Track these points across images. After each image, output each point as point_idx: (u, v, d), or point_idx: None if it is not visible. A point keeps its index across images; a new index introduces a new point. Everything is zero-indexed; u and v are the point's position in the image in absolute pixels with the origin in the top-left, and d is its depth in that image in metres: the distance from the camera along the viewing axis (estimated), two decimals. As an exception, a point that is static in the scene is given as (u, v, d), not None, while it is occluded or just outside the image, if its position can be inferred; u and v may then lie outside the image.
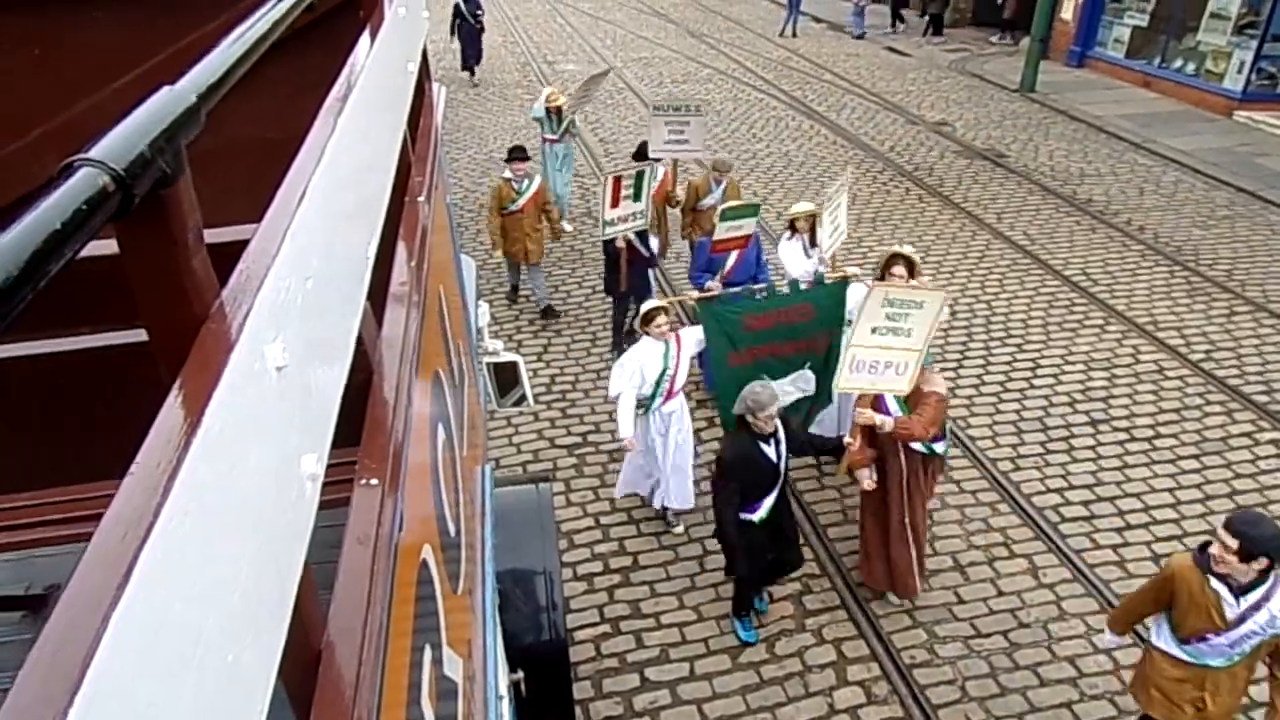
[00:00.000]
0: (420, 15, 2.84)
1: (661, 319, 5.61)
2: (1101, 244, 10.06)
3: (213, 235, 0.89)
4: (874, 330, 4.58)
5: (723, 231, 6.68)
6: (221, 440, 0.66)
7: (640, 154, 8.49)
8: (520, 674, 3.60)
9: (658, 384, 5.61)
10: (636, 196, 7.26)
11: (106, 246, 0.81)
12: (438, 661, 1.54)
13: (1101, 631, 4.70)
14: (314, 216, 1.02)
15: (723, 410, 6.03)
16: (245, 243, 0.94)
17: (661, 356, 5.62)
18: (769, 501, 4.89)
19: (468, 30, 16.14)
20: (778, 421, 4.81)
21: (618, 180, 7.13)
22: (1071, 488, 6.34)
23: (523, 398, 4.88)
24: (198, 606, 0.58)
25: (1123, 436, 6.87)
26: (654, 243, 7.98)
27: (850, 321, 5.24)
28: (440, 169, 3.07)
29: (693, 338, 5.83)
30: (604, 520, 6.17)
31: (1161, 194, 11.52)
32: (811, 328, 5.94)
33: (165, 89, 0.80)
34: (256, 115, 2.16)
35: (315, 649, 0.97)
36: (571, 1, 25.07)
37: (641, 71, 17.63)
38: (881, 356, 4.66)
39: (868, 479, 5.04)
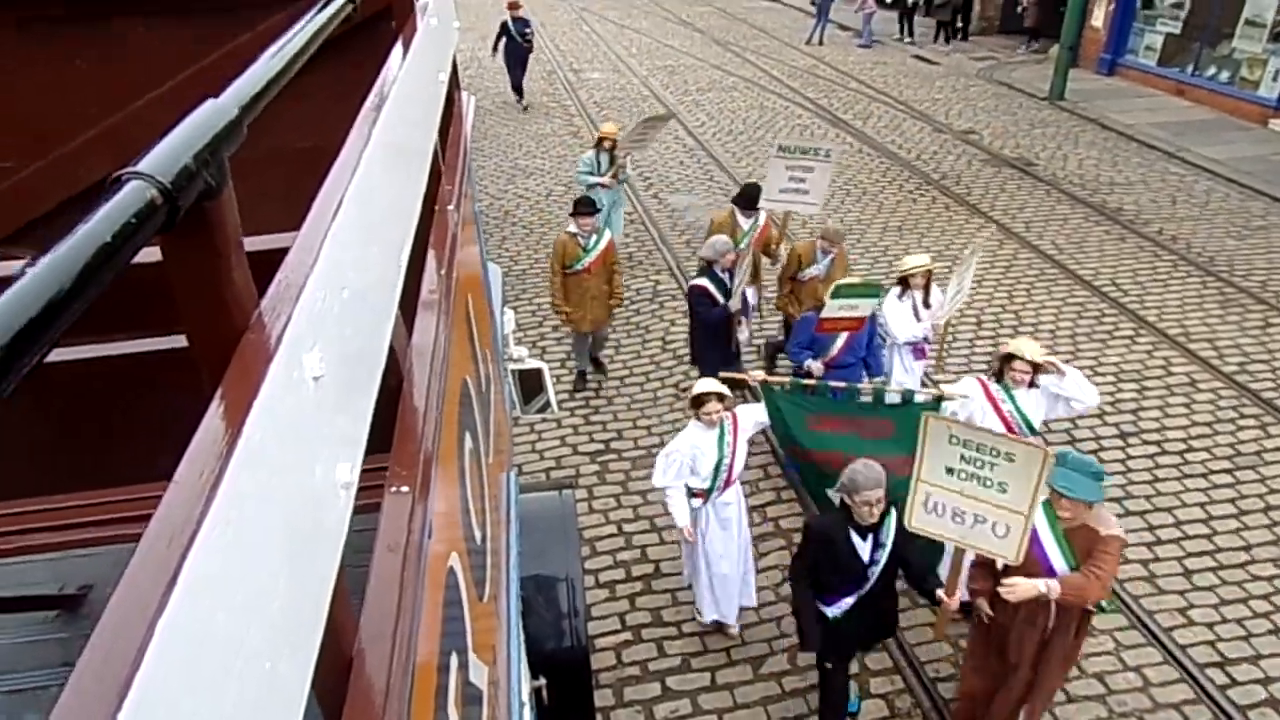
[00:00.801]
0: (451, 26, 2.87)
1: (714, 404, 4.79)
2: (1132, 254, 9.93)
3: (250, 243, 0.91)
4: (949, 470, 3.72)
5: (833, 310, 5.73)
6: (261, 449, 0.67)
7: (745, 198, 7.36)
8: (542, 681, 3.61)
9: (715, 474, 4.85)
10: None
11: (146, 254, 0.83)
12: (464, 668, 1.55)
13: (1134, 648, 4.62)
14: (349, 226, 1.03)
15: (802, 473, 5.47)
16: (282, 251, 0.96)
17: (716, 444, 4.83)
18: (850, 601, 4.18)
19: (516, 51, 15.26)
20: (889, 516, 4.05)
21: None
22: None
23: (546, 405, 4.90)
24: (239, 615, 0.59)
25: (1153, 450, 6.76)
26: (749, 294, 7.11)
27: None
28: (469, 177, 3.10)
29: (751, 418, 5.05)
30: (626, 527, 6.17)
31: (1194, 203, 11.35)
32: (889, 447, 4.78)
33: (209, 102, 0.82)
34: (291, 123, 2.19)
35: (347, 656, 0.98)
36: (598, 10, 25.20)
37: (667, 79, 17.68)
38: (968, 506, 3.76)
39: (984, 611, 4.06)
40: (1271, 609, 5.37)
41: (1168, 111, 14.97)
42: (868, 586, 4.13)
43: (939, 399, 5.04)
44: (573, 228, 7.18)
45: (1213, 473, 6.51)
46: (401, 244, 1.40)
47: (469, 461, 2.00)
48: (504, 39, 15.15)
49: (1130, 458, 6.68)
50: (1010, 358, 5.06)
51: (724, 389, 4.90)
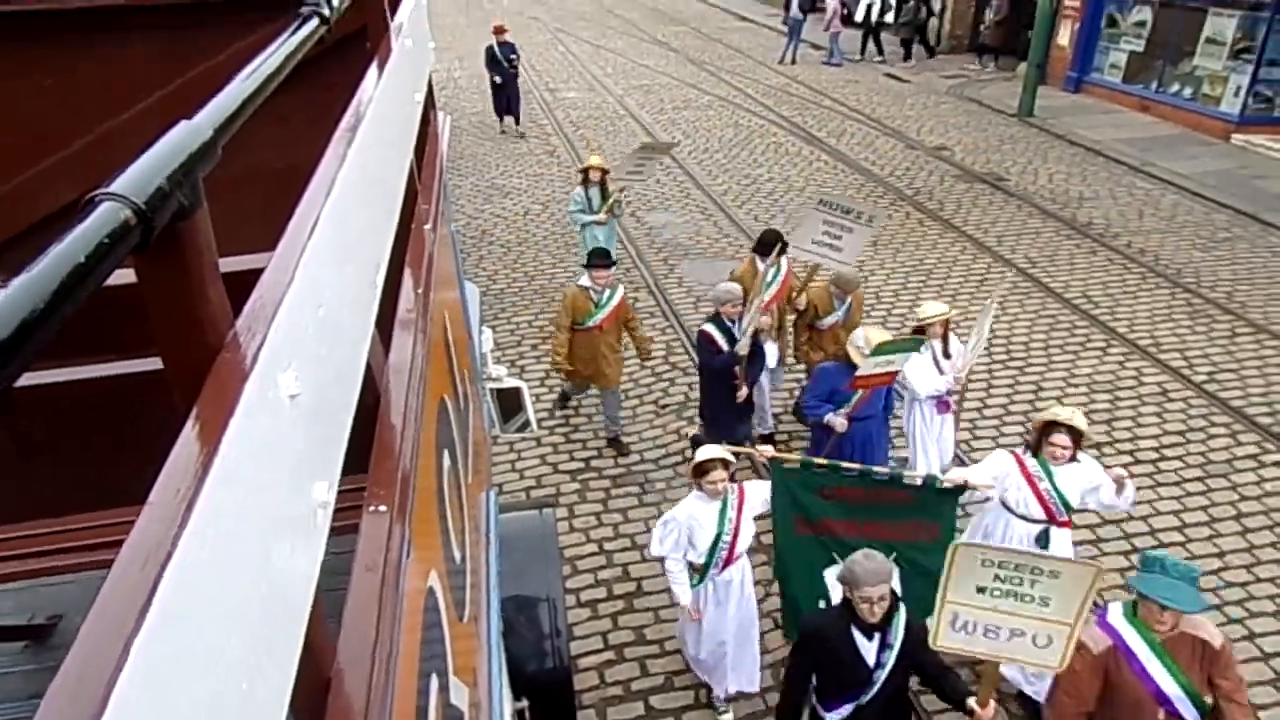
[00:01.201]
0: (426, 46, 2.88)
1: (718, 473, 4.40)
2: (1102, 266, 10.09)
3: (225, 264, 0.90)
4: (980, 589, 3.31)
5: (869, 368, 5.25)
6: (237, 470, 0.66)
7: (764, 245, 6.82)
8: (525, 703, 3.58)
9: (712, 550, 4.47)
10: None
11: (119, 275, 0.83)
12: (444, 690, 1.54)
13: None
14: (325, 246, 1.03)
15: (783, 584, 4.94)
16: (257, 271, 0.95)
17: (716, 517, 4.46)
18: (849, 709, 3.74)
19: (501, 76, 14.90)
20: (898, 613, 3.65)
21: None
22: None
23: (526, 423, 4.88)
24: (215, 638, 0.59)
25: (1126, 459, 6.83)
26: (770, 350, 6.71)
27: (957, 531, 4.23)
28: (445, 196, 3.10)
29: (760, 496, 4.65)
30: (607, 546, 6.15)
31: (1161, 217, 11.57)
32: (908, 513, 4.61)
33: (183, 123, 0.82)
34: (266, 144, 2.19)
35: (325, 678, 0.97)
36: (573, 30, 25.37)
37: (643, 98, 17.80)
38: (1003, 622, 3.36)
39: None
40: (1245, 615, 5.43)
41: (1133, 127, 15.28)
42: (872, 693, 3.66)
43: (960, 488, 4.61)
44: (585, 281, 6.65)
45: (1185, 480, 6.60)
46: (378, 263, 1.39)
47: (448, 481, 1.99)
48: (491, 62, 14.83)
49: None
50: (1050, 428, 4.60)
51: (729, 456, 4.48)
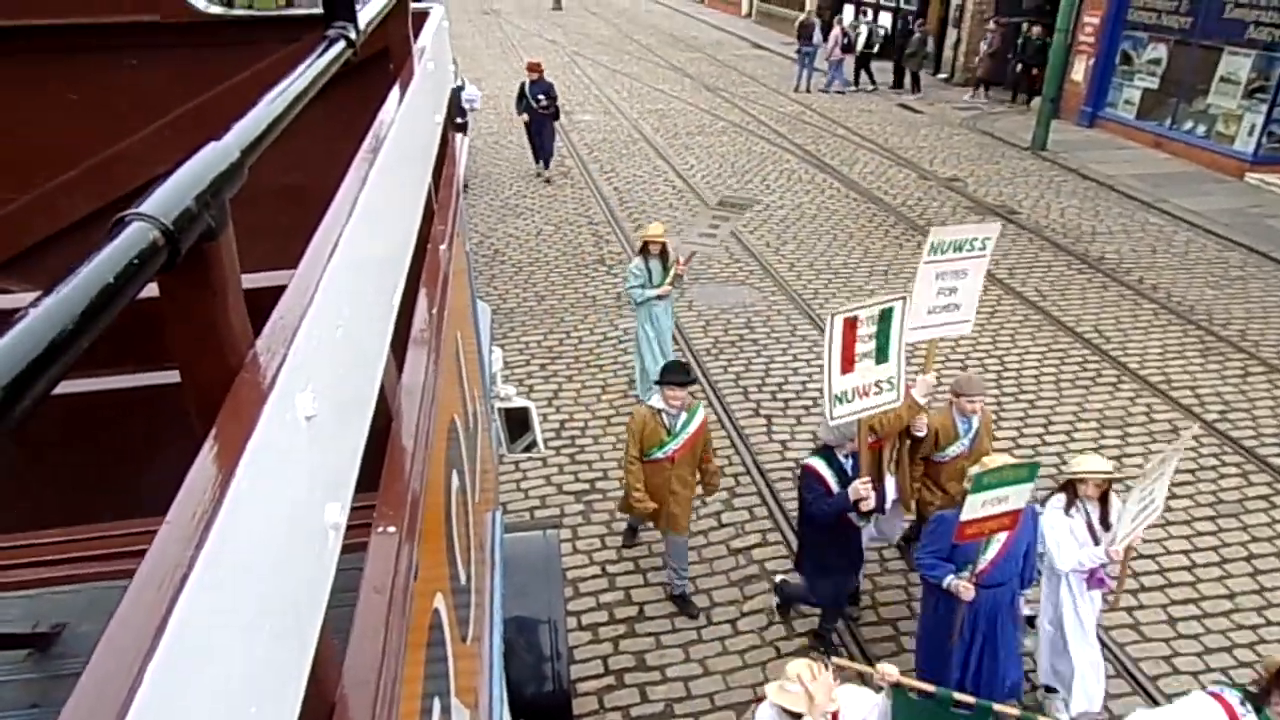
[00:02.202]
0: (447, 69, 2.91)
1: (798, 691, 3.37)
2: (1114, 302, 10.07)
3: (244, 280, 0.91)
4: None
5: (975, 509, 4.10)
6: (253, 491, 0.66)
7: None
8: (524, 726, 3.54)
9: None
10: (882, 356, 4.50)
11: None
12: (446, 712, 1.53)
13: (1120, 697, 4.59)
14: (346, 267, 1.04)
15: None
16: (272, 289, 0.96)
17: None
18: None
19: (535, 119, 13.69)
20: None
21: (852, 324, 4.36)
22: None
23: (533, 444, 4.88)
24: (226, 660, 0.59)
25: (1137, 496, 6.78)
26: (890, 485, 5.36)
27: None
28: (461, 216, 3.12)
29: (857, 708, 3.75)
30: (610, 569, 6.11)
31: (1174, 253, 11.55)
32: None
33: (211, 144, 0.82)
34: (283, 161, 2.21)
35: (329, 701, 0.96)
36: (590, 54, 25.62)
37: (657, 123, 17.93)
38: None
39: None
40: (1255, 659, 5.35)
41: (1147, 163, 15.30)
42: None
43: None
44: (656, 401, 5.38)
45: (1196, 520, 6.54)
46: (395, 284, 1.40)
47: (455, 501, 1.99)
48: (523, 101, 13.63)
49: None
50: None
51: (819, 671, 3.46)
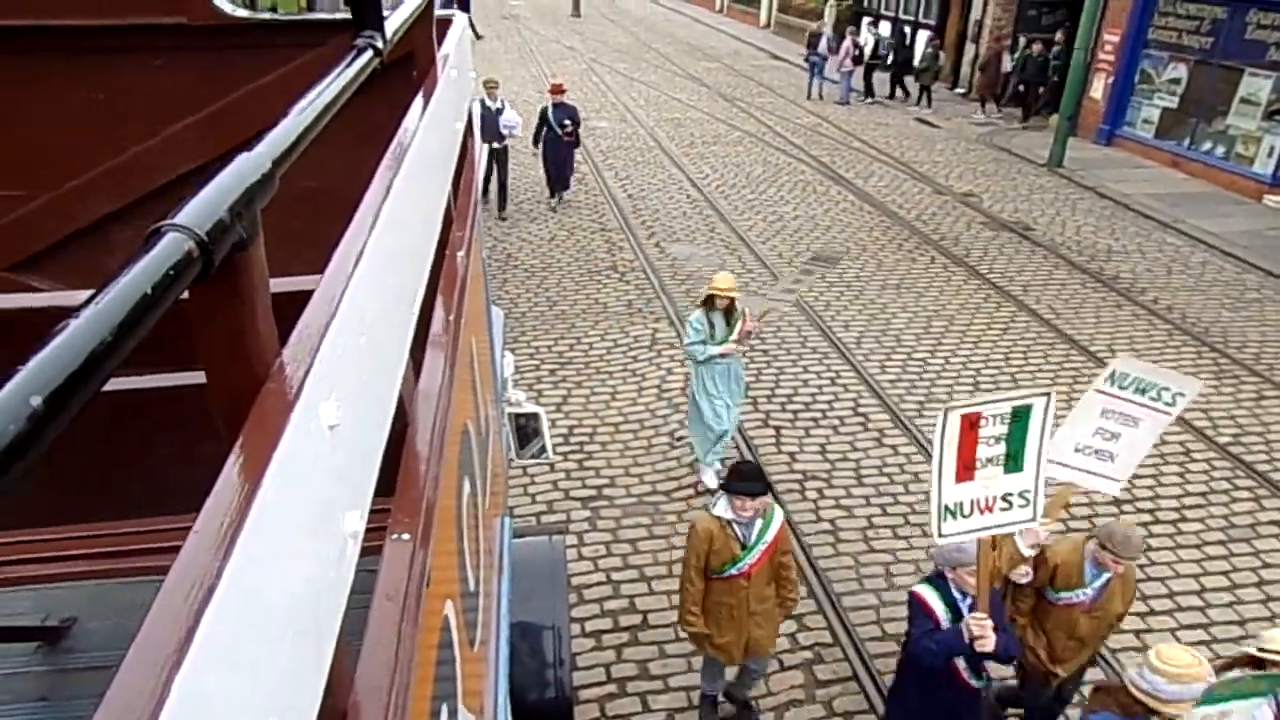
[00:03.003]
0: (469, 75, 2.93)
1: None
2: (1128, 321, 10.02)
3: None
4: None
5: None
6: (278, 501, 0.67)
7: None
8: (526, 732, 3.54)
9: None
10: (1013, 463, 3.60)
11: None
12: (454, 718, 1.53)
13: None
14: (369, 275, 1.04)
15: None
16: (295, 295, 0.97)
17: None
18: None
19: (553, 144, 12.56)
20: None
21: (973, 422, 3.52)
22: None
23: (542, 449, 4.88)
24: (248, 671, 0.59)
25: (1146, 519, 6.74)
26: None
27: None
28: (479, 223, 3.13)
29: None
30: (615, 576, 6.11)
31: (1190, 274, 11.49)
32: None
33: (243, 155, 0.83)
34: (308, 167, 2.23)
35: (342, 709, 0.97)
36: (608, 61, 25.70)
37: (673, 131, 17.96)
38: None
39: None
40: (1265, 686, 5.30)
41: (1164, 183, 15.23)
42: None
43: None
44: (723, 509, 4.39)
45: (1206, 544, 6.49)
46: (416, 291, 1.41)
47: (467, 507, 1.99)
48: (544, 129, 12.47)
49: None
50: None
51: None
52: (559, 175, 13.05)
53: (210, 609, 0.54)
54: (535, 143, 12.87)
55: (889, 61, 21.29)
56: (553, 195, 13.25)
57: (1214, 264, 11.86)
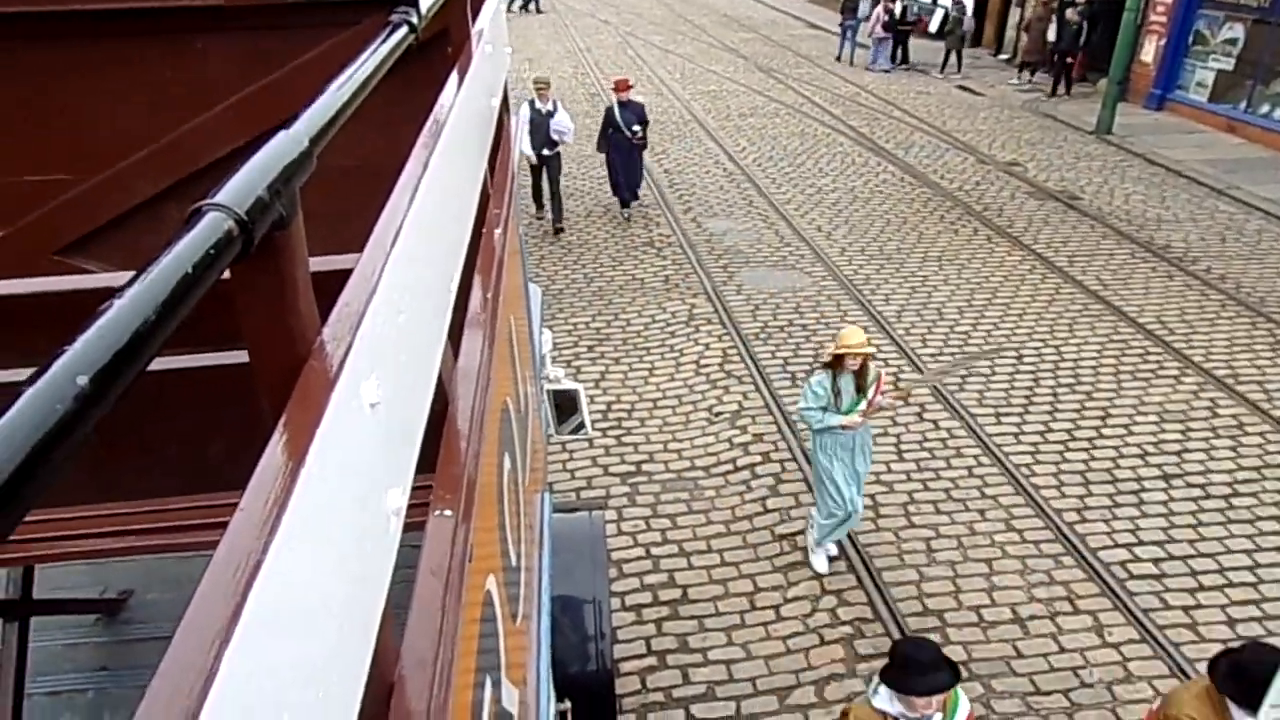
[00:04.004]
0: (504, 51, 2.91)
1: None
2: (1179, 292, 9.74)
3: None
4: None
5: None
6: (322, 480, 0.68)
7: (1248, 682, 3.17)
8: (568, 704, 3.59)
9: None
10: None
11: None
12: (497, 692, 1.55)
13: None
14: (407, 254, 1.05)
15: None
16: (332, 274, 0.97)
17: None
18: None
19: (620, 146, 11.24)
20: None
21: None
22: (1141, 544, 6.10)
23: (580, 426, 4.91)
24: (296, 645, 0.60)
25: (1197, 493, 6.59)
26: None
27: None
28: (515, 199, 3.13)
29: None
30: (655, 551, 6.14)
31: (1245, 242, 11.12)
32: None
33: (281, 133, 0.84)
34: (342, 144, 2.23)
35: (389, 682, 0.98)
36: (643, 34, 25.45)
37: (709, 104, 17.77)
38: None
39: None
40: (1320, 664, 5.18)
41: (1218, 148, 14.72)
42: None
43: None
44: (884, 700, 3.36)
45: (1260, 519, 6.33)
46: (453, 269, 1.41)
47: (507, 483, 2.01)
48: (610, 130, 11.20)
49: (1173, 500, 6.52)
50: None
51: None
52: (629, 183, 11.55)
53: (256, 585, 0.55)
54: (602, 144, 11.54)
55: (904, 25, 21.09)
56: (624, 206, 11.74)
57: (1271, 231, 11.46)
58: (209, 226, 0.64)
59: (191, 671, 0.49)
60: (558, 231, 11.24)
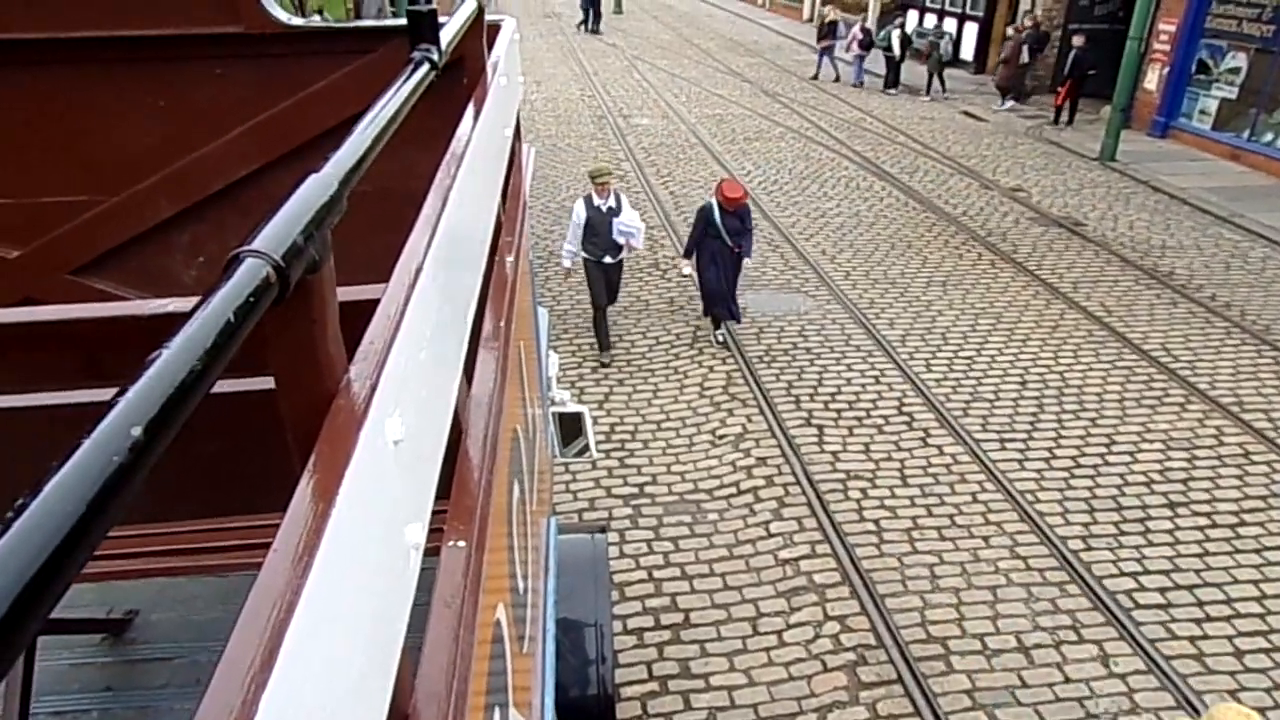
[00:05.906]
0: (517, 81, 2.95)
1: None
2: (1183, 319, 9.75)
3: None
4: None
5: None
6: (351, 518, 0.69)
7: None
8: (570, 729, 3.57)
9: None
10: None
11: None
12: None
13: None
14: (428, 289, 1.06)
15: None
16: (353, 305, 0.99)
17: None
18: None
19: (720, 256, 8.60)
20: None
21: None
22: (1147, 572, 6.07)
23: (585, 448, 4.91)
24: (323, 685, 0.61)
25: (1203, 522, 6.57)
26: None
27: None
28: (526, 227, 3.16)
29: None
30: (657, 574, 6.12)
31: (1249, 270, 11.14)
32: None
33: (312, 176, 0.86)
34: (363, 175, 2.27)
35: (403, 714, 0.99)
36: (649, 58, 25.67)
37: (715, 128, 17.89)
38: None
39: None
40: (1328, 697, 5.14)
41: (1222, 176, 14.78)
42: None
43: None
44: None
45: (1266, 549, 6.30)
46: (470, 301, 1.43)
47: (516, 510, 2.02)
48: (704, 231, 8.64)
49: (1179, 528, 6.50)
50: None
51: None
52: (730, 294, 8.97)
53: (291, 627, 0.56)
54: (688, 254, 9.06)
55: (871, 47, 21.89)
56: (717, 327, 9.17)
57: (1275, 259, 11.48)
58: (248, 273, 0.66)
59: (231, 712, 0.51)
60: (603, 364, 8.85)
